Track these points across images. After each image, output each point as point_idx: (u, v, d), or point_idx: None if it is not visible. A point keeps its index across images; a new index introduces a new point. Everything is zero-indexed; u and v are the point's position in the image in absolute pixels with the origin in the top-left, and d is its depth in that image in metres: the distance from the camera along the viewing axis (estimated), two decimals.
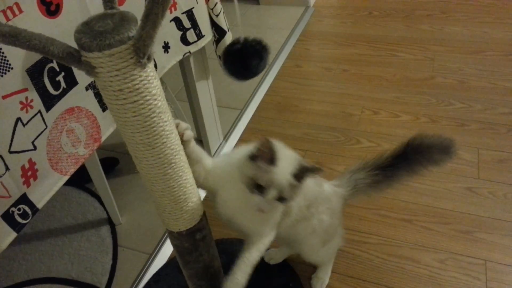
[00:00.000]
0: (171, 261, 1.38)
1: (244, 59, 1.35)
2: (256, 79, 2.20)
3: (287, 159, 0.85)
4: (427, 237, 1.38)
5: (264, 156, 0.82)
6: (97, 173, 1.42)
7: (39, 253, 1.43)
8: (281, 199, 0.84)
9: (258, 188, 0.83)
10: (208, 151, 1.77)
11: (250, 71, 1.38)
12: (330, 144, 1.79)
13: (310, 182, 1.00)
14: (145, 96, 0.66)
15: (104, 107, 1.04)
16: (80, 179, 1.65)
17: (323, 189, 1.07)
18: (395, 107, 1.93)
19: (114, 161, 1.71)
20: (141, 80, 0.64)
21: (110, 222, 1.50)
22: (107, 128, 1.07)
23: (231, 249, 1.40)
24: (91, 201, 1.58)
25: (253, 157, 0.84)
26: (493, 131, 1.74)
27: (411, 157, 1.11)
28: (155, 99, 0.68)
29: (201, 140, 1.78)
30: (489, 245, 1.34)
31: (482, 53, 2.18)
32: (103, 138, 1.06)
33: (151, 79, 0.66)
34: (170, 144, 0.75)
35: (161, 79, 1.65)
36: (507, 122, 1.77)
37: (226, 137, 1.87)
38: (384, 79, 2.11)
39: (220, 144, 1.83)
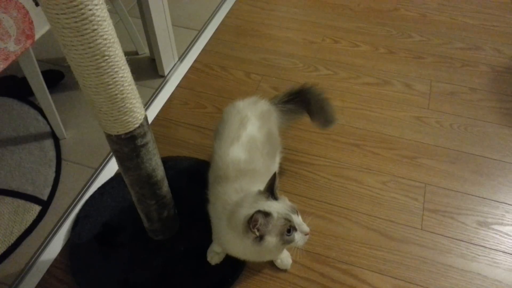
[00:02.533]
0: (117, 176, 1.36)
1: None
2: (217, 0, 2.10)
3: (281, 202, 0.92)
4: (373, 161, 1.42)
5: (260, 216, 0.84)
6: (38, 85, 1.34)
7: None
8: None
9: (289, 230, 0.87)
10: (161, 71, 1.70)
11: None
12: (288, 70, 1.76)
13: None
14: None
15: (36, 1, 0.95)
16: (22, 92, 1.56)
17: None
18: (356, 37, 1.90)
19: (58, 74, 1.61)
20: None
21: (53, 136, 1.44)
22: (41, 25, 0.98)
23: (179, 166, 1.40)
24: (33, 114, 1.50)
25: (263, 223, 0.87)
26: (448, 64, 1.76)
27: (305, 104, 1.25)
28: None
29: (154, 59, 1.70)
30: (431, 170, 1.40)
31: None
32: (37, 36, 0.98)
33: None
34: (102, 32, 0.69)
35: None
36: (463, 57, 1.79)
37: (181, 57, 1.79)
38: (348, 8, 2.06)
39: (175, 64, 1.76)
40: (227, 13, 2.03)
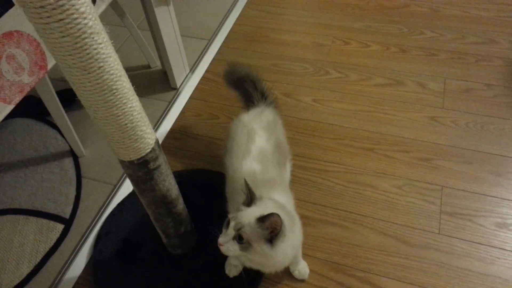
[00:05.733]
0: (135, 192, 1.39)
1: None
2: (225, 7, 2.11)
3: (263, 207, 0.88)
4: (387, 165, 1.41)
5: (247, 198, 0.90)
6: (53, 105, 1.38)
7: (2, 185, 1.42)
8: (239, 238, 0.85)
9: (226, 226, 0.88)
10: (174, 83, 1.73)
11: None
12: (299, 75, 1.76)
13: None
14: (72, 14, 0.61)
15: None
16: (40, 112, 1.60)
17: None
18: (366, 37, 1.89)
19: (73, 93, 1.65)
20: None
21: (72, 154, 1.49)
22: None
23: (195, 179, 1.42)
24: (52, 134, 1.55)
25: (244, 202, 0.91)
26: (462, 60, 1.73)
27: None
28: (85, 18, 0.63)
29: (166, 72, 1.73)
30: (447, 171, 1.38)
31: None
32: (50, 66, 1.01)
33: None
34: (108, 68, 0.71)
35: (120, 7, 1.56)
36: (476, 52, 1.76)
37: (192, 68, 1.81)
38: (357, 7, 2.04)
39: (187, 76, 1.78)
40: (236, 20, 2.04)
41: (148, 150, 0.89)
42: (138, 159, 0.89)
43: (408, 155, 1.43)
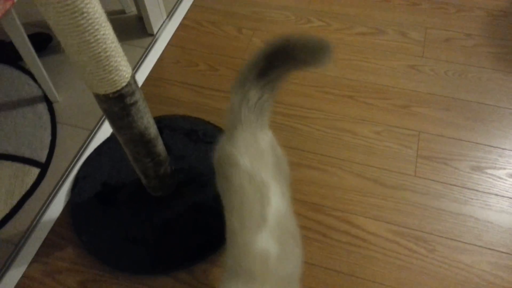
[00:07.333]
0: (113, 136, 1.37)
1: None
2: None
3: None
4: (367, 111, 1.42)
5: None
6: (26, 49, 1.32)
7: None
8: None
9: None
10: (150, 29, 1.67)
11: None
12: (280, 23, 1.72)
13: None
14: None
15: None
16: (11, 57, 1.54)
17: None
18: None
19: (46, 37, 1.58)
20: None
21: (46, 99, 1.44)
22: None
23: (174, 125, 1.40)
24: (24, 79, 1.49)
25: None
26: (443, 10, 1.72)
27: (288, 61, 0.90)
28: None
29: (141, 17, 1.67)
30: (424, 118, 1.40)
31: None
32: None
33: None
34: None
35: None
36: (458, 2, 1.75)
37: (169, 14, 1.75)
38: None
39: (164, 22, 1.72)
40: None
41: (124, 84, 0.87)
42: (114, 93, 0.86)
43: (387, 102, 1.44)
